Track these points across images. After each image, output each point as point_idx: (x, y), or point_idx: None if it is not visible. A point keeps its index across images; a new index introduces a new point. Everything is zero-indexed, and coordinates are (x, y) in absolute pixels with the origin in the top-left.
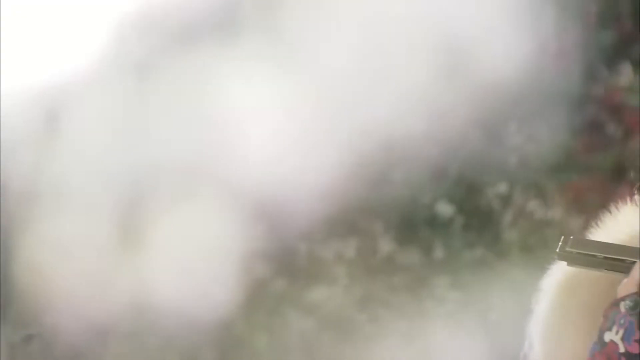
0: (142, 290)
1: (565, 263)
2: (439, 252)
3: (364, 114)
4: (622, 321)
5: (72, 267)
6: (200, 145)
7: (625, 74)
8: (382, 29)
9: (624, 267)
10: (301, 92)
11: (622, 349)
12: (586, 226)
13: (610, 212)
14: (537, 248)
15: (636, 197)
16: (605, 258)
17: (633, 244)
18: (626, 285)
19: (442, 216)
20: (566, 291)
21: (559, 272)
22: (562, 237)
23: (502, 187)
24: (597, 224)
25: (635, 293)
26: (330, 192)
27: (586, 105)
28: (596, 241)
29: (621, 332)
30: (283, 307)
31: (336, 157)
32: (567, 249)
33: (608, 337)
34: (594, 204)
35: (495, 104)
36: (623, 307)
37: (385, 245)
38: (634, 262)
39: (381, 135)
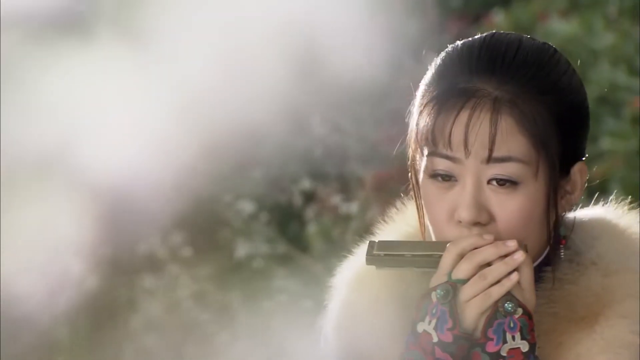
0: None
1: (374, 267)
2: (241, 249)
3: (219, 111)
4: (434, 311)
5: None
6: (53, 141)
7: (430, 64)
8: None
9: (432, 262)
10: (154, 90)
11: (435, 339)
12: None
13: (397, 209)
14: (339, 240)
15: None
16: (414, 256)
17: (418, 237)
18: (437, 277)
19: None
20: (356, 288)
21: (348, 269)
22: (369, 241)
23: (305, 181)
24: (384, 220)
25: (446, 282)
26: (181, 190)
27: (390, 96)
28: (402, 241)
29: (434, 321)
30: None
31: (188, 155)
32: (375, 252)
33: (421, 327)
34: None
35: (300, 95)
36: (434, 296)
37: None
38: (442, 255)
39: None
